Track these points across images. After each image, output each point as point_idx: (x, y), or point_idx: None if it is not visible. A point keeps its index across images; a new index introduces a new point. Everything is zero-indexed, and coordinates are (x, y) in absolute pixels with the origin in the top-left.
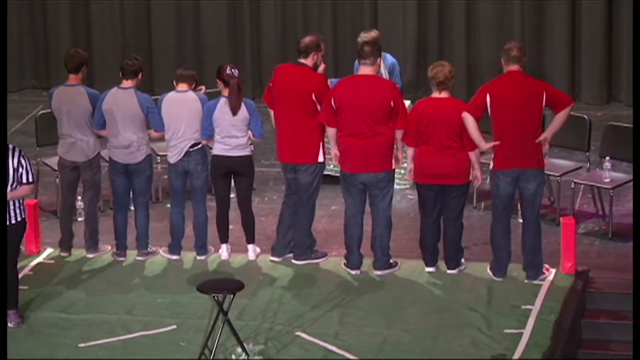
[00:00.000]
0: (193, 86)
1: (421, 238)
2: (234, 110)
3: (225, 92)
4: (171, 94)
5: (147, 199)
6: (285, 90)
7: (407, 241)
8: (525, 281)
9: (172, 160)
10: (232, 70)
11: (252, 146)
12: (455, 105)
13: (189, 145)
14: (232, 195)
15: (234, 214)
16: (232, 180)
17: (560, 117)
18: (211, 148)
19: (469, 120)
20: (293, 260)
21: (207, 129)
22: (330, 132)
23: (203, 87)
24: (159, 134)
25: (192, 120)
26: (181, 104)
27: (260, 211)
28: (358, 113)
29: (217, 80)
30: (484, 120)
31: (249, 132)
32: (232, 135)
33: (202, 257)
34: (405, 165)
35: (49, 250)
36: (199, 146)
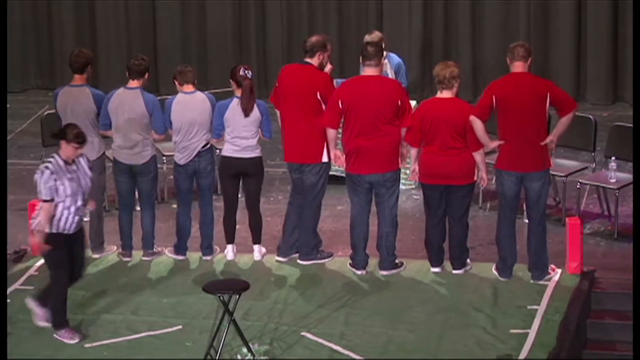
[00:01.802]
0: (195, 83)
1: (426, 238)
2: (246, 112)
3: (238, 92)
4: (180, 96)
5: (152, 200)
6: (290, 89)
7: (413, 241)
8: (531, 281)
9: (182, 161)
10: (246, 71)
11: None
12: (459, 106)
13: (201, 145)
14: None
15: (240, 214)
16: (241, 181)
17: (563, 122)
18: (216, 148)
19: (477, 124)
20: (299, 261)
21: (218, 128)
22: (331, 133)
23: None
24: (159, 136)
25: (203, 121)
26: (191, 106)
27: (265, 211)
28: (366, 114)
29: (230, 81)
30: (490, 120)
31: (259, 132)
32: (243, 137)
33: (208, 258)
34: (409, 165)
35: None
36: (208, 146)
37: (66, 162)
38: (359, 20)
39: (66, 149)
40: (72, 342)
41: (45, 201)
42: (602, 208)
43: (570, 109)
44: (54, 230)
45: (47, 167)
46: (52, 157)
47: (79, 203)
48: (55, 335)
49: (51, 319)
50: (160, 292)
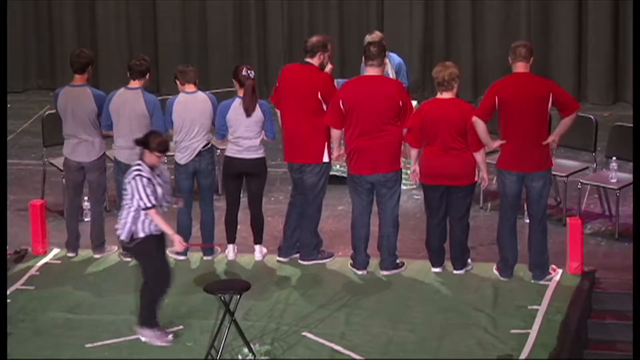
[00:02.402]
0: (197, 83)
1: (427, 238)
2: (248, 112)
3: (241, 92)
4: (181, 96)
5: None
6: (291, 89)
7: (414, 241)
8: (532, 281)
9: (183, 161)
10: (248, 71)
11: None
12: (459, 106)
13: (202, 145)
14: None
15: (242, 214)
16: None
17: (566, 123)
18: (217, 148)
19: (480, 125)
20: (299, 261)
21: (221, 129)
22: (335, 134)
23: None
24: None
25: (205, 121)
26: (193, 105)
27: (266, 211)
28: (368, 114)
29: (233, 81)
30: (491, 120)
31: (262, 132)
32: (246, 137)
33: (209, 257)
34: (409, 165)
35: (55, 251)
36: (209, 146)
37: (151, 168)
38: (360, 21)
39: (150, 157)
40: (164, 344)
41: (149, 208)
42: (602, 208)
43: (573, 110)
44: (143, 235)
45: (141, 175)
46: (139, 164)
47: (165, 204)
48: (140, 335)
49: (142, 318)
50: None
